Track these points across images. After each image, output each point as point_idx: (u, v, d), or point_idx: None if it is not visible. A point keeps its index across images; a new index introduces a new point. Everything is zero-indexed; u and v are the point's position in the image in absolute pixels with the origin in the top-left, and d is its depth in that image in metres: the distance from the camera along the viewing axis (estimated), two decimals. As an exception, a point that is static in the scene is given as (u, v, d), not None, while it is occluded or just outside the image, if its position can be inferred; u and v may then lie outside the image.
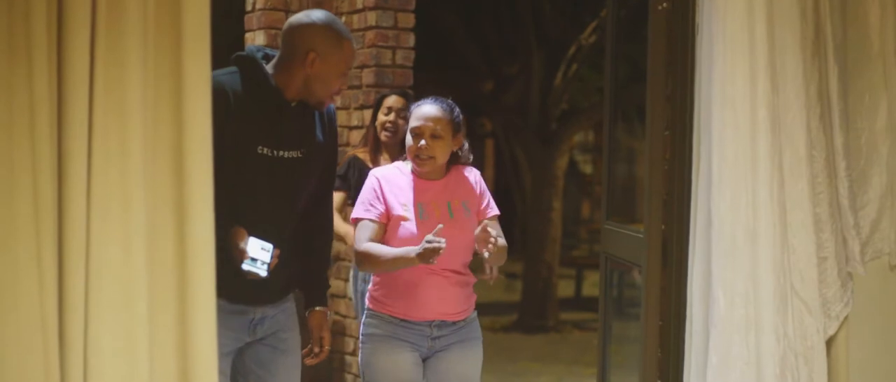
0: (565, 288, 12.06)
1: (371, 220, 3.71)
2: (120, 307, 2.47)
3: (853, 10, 3.80)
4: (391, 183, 3.75)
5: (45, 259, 2.41)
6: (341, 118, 6.26)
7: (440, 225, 3.55)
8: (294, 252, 3.48)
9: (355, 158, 5.21)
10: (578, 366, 8.67)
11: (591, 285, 12.18)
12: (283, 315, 3.49)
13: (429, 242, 3.50)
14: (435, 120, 3.70)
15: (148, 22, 2.50)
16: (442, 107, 3.74)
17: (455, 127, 3.74)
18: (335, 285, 6.17)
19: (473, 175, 3.85)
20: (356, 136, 6.17)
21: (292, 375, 3.53)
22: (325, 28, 3.35)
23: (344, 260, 6.13)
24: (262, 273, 3.18)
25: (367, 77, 6.09)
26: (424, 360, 3.79)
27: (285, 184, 3.39)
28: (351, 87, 6.16)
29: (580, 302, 12.13)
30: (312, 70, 3.33)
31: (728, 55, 3.61)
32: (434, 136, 3.70)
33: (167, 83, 2.54)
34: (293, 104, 3.38)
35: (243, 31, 6.40)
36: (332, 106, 3.56)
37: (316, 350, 3.59)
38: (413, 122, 3.73)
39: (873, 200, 3.84)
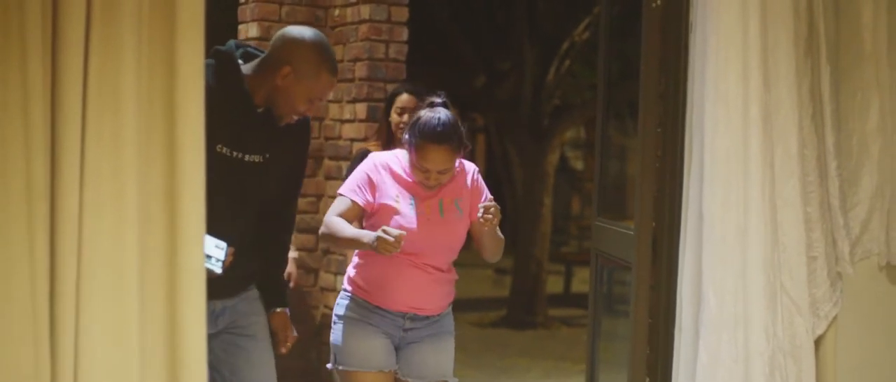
0: (554, 284, 12.06)
1: (351, 201, 3.69)
2: (111, 297, 2.47)
3: (846, 10, 3.80)
4: (388, 171, 3.74)
5: (37, 248, 2.41)
6: (333, 112, 6.25)
7: (403, 233, 3.52)
8: (253, 252, 3.46)
9: (367, 152, 5.18)
10: (566, 362, 8.68)
11: (580, 281, 12.18)
12: (244, 303, 3.49)
13: (385, 233, 3.49)
14: (445, 160, 3.67)
15: (142, 14, 2.50)
16: (451, 146, 3.66)
17: (461, 150, 3.71)
18: (325, 278, 6.17)
19: (471, 171, 3.84)
20: (348, 130, 6.16)
21: (265, 357, 3.51)
22: (311, 49, 3.32)
23: (334, 254, 6.12)
24: (217, 270, 3.18)
25: (360, 70, 6.09)
26: (398, 349, 3.80)
27: (242, 186, 3.36)
28: (344, 81, 6.15)
29: (569, 299, 12.13)
30: (282, 84, 3.30)
31: (721, 53, 3.61)
32: (442, 172, 3.70)
33: (161, 75, 2.54)
34: (260, 109, 3.34)
35: (237, 22, 6.39)
36: (308, 117, 3.52)
37: (282, 351, 3.58)
38: (422, 159, 3.66)
39: (863, 201, 3.84)
